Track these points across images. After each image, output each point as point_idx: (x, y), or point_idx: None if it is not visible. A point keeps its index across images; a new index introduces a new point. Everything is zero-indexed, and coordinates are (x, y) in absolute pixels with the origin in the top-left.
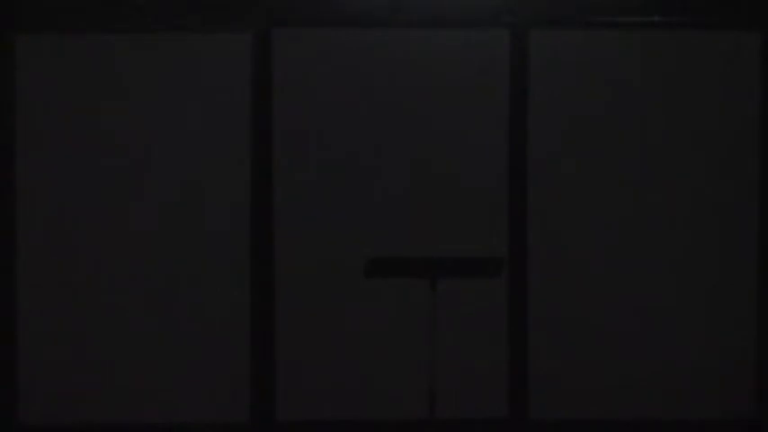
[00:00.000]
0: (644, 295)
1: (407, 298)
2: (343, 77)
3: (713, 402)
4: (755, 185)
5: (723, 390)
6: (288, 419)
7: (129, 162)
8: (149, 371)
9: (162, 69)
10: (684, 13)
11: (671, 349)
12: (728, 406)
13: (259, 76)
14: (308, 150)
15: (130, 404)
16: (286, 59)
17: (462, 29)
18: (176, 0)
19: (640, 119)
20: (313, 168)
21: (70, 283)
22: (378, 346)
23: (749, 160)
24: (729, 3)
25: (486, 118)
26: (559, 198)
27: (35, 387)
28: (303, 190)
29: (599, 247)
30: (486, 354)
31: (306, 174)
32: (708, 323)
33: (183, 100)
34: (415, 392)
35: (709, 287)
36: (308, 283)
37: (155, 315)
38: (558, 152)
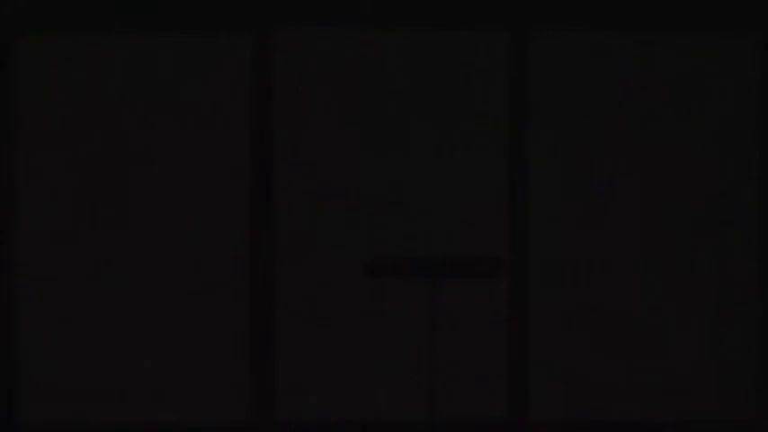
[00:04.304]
0: (644, 295)
1: (407, 298)
2: (342, 78)
3: (713, 402)
4: (756, 185)
5: (723, 390)
6: (288, 419)
7: (128, 163)
8: (149, 370)
9: (162, 70)
10: (685, 14)
11: (671, 349)
12: (728, 406)
13: (259, 78)
14: (307, 150)
15: (131, 404)
16: (286, 60)
17: (462, 29)
18: (176, 0)
19: (641, 119)
20: (313, 168)
21: (71, 283)
22: (378, 346)
23: (750, 161)
24: (730, 3)
25: (486, 117)
26: (560, 198)
27: (35, 387)
28: (303, 190)
29: (599, 247)
30: (486, 354)
31: (306, 173)
32: (708, 323)
33: (183, 100)
34: (414, 392)
35: (710, 287)
36: (308, 283)
37: (154, 314)
38: (559, 152)
